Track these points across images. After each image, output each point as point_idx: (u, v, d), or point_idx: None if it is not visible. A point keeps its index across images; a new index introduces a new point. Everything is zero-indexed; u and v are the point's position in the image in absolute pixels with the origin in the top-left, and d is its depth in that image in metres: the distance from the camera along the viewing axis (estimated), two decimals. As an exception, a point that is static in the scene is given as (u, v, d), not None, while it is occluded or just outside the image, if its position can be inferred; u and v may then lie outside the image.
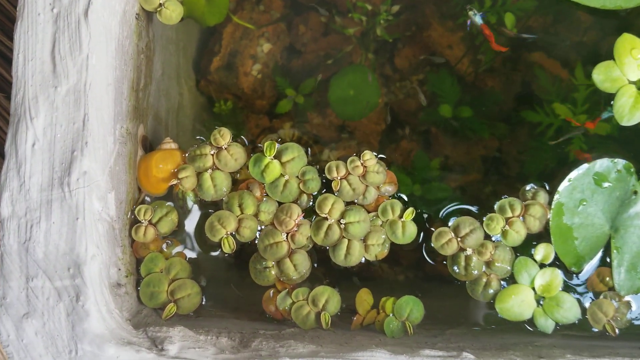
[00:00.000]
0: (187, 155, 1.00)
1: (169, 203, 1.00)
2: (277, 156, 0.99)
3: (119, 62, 0.93)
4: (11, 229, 0.86)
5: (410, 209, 0.98)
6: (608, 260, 0.99)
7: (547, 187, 1.01)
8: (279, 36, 1.11)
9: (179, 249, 1.00)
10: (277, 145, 0.99)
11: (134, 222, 0.98)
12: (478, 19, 1.06)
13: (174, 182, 0.98)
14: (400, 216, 0.98)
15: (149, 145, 1.04)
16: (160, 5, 1.01)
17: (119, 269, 0.93)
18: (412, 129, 1.07)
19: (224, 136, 0.99)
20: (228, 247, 0.97)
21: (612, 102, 1.00)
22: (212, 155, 0.99)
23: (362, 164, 0.99)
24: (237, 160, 1.00)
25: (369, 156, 1.00)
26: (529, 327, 0.97)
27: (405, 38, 1.09)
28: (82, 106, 0.86)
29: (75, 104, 0.87)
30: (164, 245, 0.99)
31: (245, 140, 1.06)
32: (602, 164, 1.00)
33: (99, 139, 0.88)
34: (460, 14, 1.08)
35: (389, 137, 1.07)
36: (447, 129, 1.06)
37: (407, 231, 0.98)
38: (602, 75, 1.00)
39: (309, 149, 1.04)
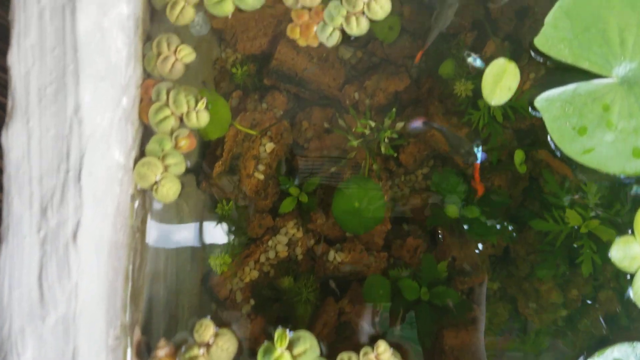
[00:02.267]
0: None
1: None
2: (289, 347, 0.93)
3: (112, 264, 0.84)
4: None
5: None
6: None
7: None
8: (282, 134, 1.05)
9: None
10: (288, 334, 0.92)
11: None
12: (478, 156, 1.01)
13: None
14: (416, 411, 0.93)
15: (145, 349, 0.96)
16: (156, 183, 0.92)
17: None
18: (418, 227, 1.03)
19: (207, 329, 0.93)
20: None
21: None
22: (203, 355, 0.93)
23: (375, 357, 0.93)
24: (229, 349, 0.94)
25: (383, 348, 0.93)
26: None
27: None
28: (71, 338, 0.79)
29: (64, 335, 0.79)
30: None
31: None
32: (620, 348, 0.95)
33: (89, 364, 0.81)
34: (464, 112, 1.03)
35: (395, 236, 1.03)
36: (454, 230, 1.02)
37: None
38: (620, 252, 0.94)
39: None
